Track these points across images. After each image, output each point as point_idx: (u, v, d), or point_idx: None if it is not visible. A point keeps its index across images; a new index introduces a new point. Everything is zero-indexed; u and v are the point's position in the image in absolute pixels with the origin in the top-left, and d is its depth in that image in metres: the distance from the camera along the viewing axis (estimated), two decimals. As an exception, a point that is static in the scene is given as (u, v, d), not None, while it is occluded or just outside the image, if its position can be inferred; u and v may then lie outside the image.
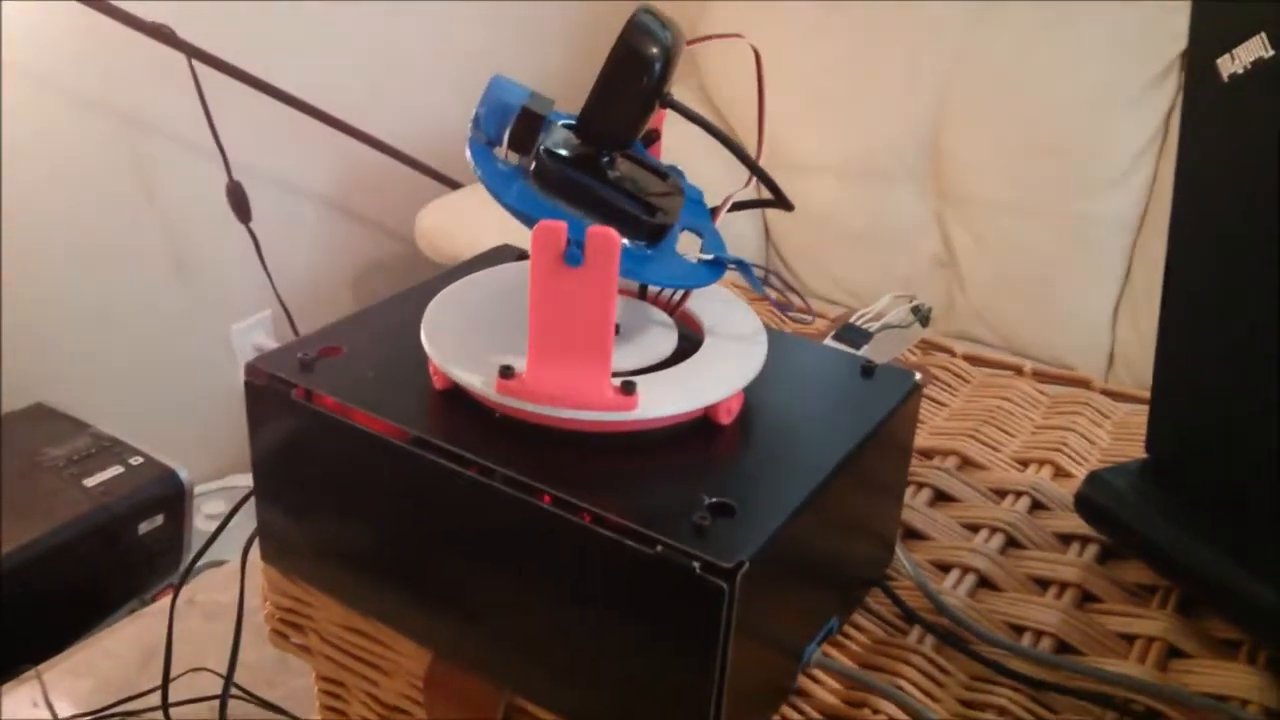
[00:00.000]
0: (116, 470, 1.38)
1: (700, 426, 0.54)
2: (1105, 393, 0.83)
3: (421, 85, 1.96)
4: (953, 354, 0.87)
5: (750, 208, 0.56)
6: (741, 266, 0.55)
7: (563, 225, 0.47)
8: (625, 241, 0.52)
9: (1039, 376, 0.85)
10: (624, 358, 0.53)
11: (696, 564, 0.45)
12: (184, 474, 1.40)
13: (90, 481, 1.35)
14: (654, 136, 0.60)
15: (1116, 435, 0.79)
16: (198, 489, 1.50)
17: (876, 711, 0.55)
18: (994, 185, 1.78)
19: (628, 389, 0.50)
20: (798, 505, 0.49)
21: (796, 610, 0.54)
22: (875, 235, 1.89)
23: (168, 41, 1.51)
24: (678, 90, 2.02)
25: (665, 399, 0.51)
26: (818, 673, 0.57)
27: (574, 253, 0.46)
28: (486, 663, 0.55)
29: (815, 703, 0.56)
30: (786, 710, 0.55)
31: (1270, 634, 0.59)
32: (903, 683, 0.57)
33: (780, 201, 0.53)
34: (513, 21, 2.08)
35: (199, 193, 1.68)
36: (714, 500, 0.48)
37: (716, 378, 0.53)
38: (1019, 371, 0.86)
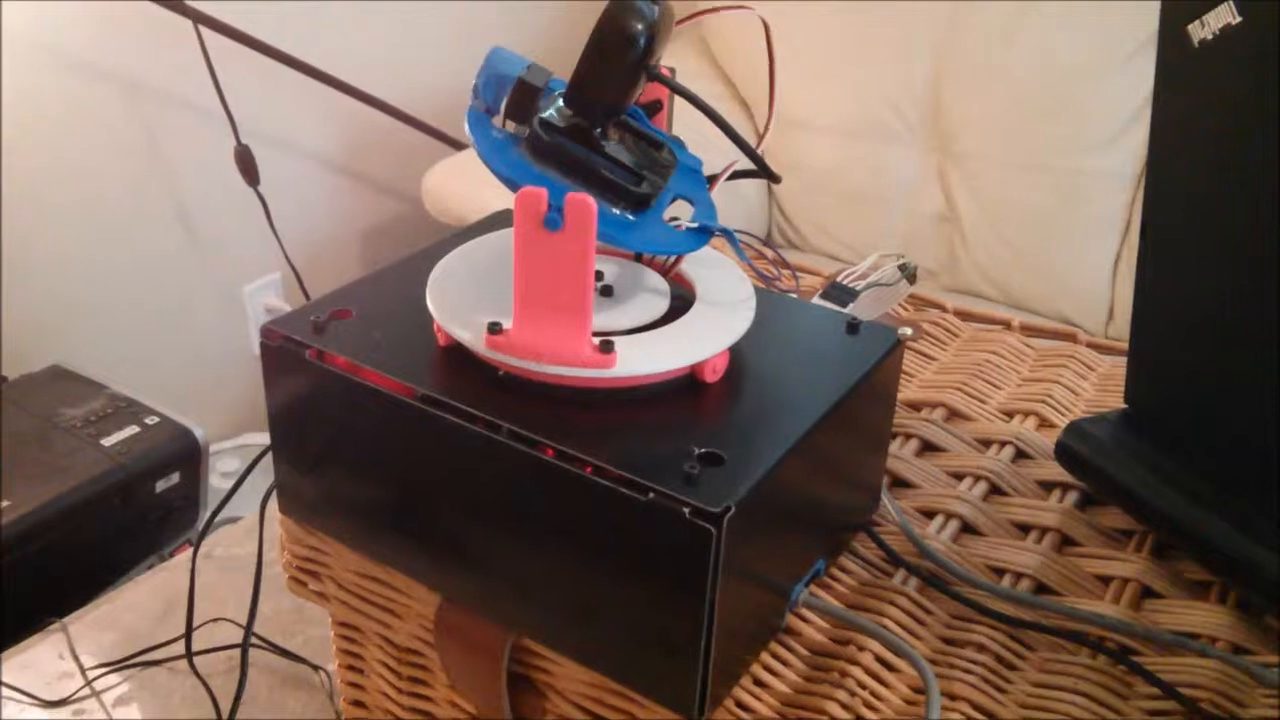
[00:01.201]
0: (133, 430, 1.41)
1: (692, 383, 0.56)
2: (1091, 345, 0.86)
3: (426, 47, 1.98)
4: (944, 309, 0.90)
5: (742, 178, 0.58)
6: (727, 235, 0.57)
7: (543, 192, 0.50)
8: (613, 209, 0.55)
9: (1027, 330, 0.88)
10: (617, 317, 0.57)
11: (686, 509, 0.48)
12: (199, 432, 1.43)
13: (108, 441, 1.38)
14: (657, 107, 0.62)
15: (1101, 387, 0.81)
16: (212, 447, 1.53)
17: (862, 649, 0.58)
18: (994, 141, 1.79)
19: (606, 348, 0.53)
20: (782, 454, 0.52)
21: (783, 552, 0.57)
22: (877, 192, 1.91)
23: (174, 8, 1.53)
24: (685, 58, 2.02)
25: (647, 358, 0.54)
26: (806, 612, 0.60)
27: (553, 217, 0.50)
28: (492, 605, 0.59)
29: (804, 640, 0.59)
30: (776, 647, 0.59)
31: (1238, 575, 0.62)
32: (887, 621, 0.60)
33: (766, 174, 0.56)
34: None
35: (208, 156, 1.71)
36: (703, 450, 0.51)
37: (701, 339, 0.56)
38: (1008, 326, 0.88)
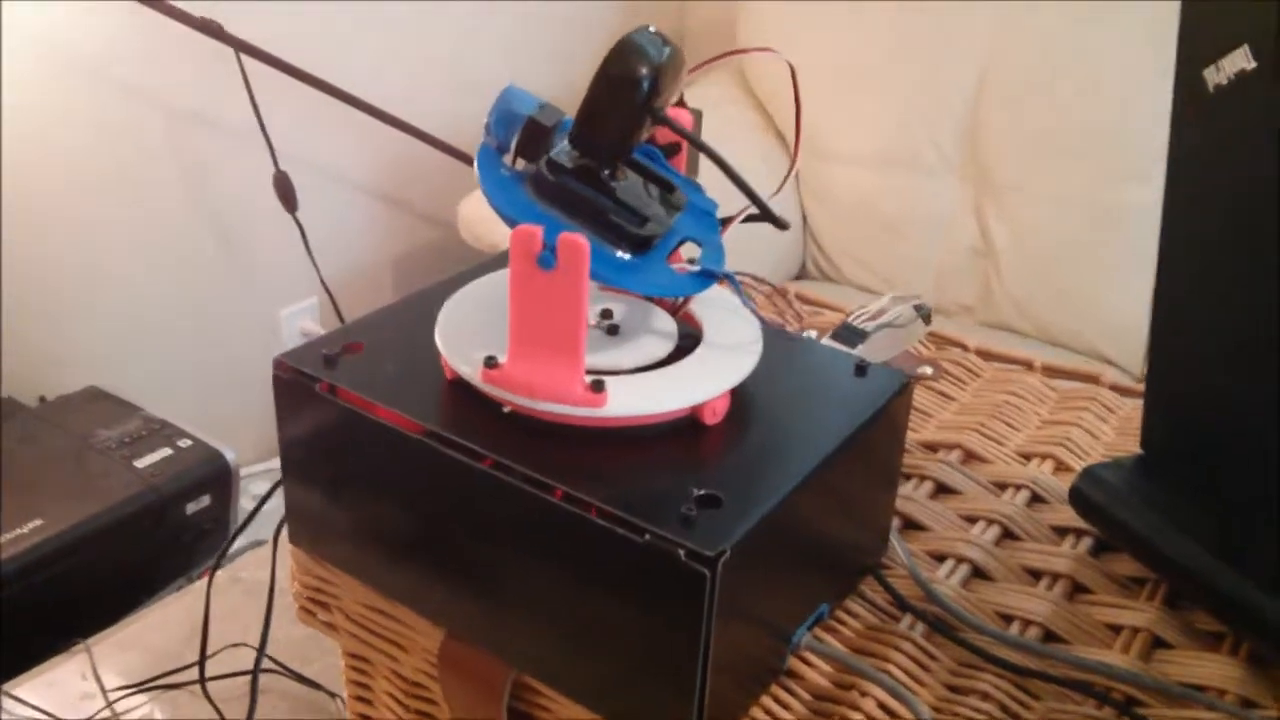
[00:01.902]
0: (166, 452, 1.43)
1: (694, 424, 0.56)
2: (1114, 388, 0.85)
3: (464, 74, 2.00)
4: (965, 348, 0.89)
5: (752, 221, 0.59)
6: (730, 280, 0.57)
7: (538, 230, 0.50)
8: (614, 250, 0.55)
9: (1049, 371, 0.87)
10: (621, 356, 0.57)
11: (681, 551, 0.48)
12: (230, 456, 1.45)
13: (140, 463, 1.40)
14: (675, 149, 0.63)
15: (1121, 430, 0.80)
16: (244, 471, 1.55)
17: (864, 694, 0.58)
18: (1030, 175, 1.78)
19: (597, 387, 0.53)
20: (782, 497, 0.52)
21: (784, 595, 0.57)
22: (912, 225, 1.90)
23: (217, 36, 1.56)
24: (725, 85, 2.02)
25: (642, 399, 0.54)
26: (809, 655, 0.60)
27: (546, 256, 0.50)
28: (494, 641, 0.59)
29: (806, 684, 0.59)
30: (777, 690, 0.58)
31: (1250, 628, 0.61)
32: (891, 667, 0.60)
33: (774, 222, 0.56)
34: (557, 13, 2.11)
35: (248, 182, 1.73)
36: (702, 492, 0.51)
37: (700, 381, 0.56)
38: (1030, 366, 0.88)
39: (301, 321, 1.91)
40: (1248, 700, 0.59)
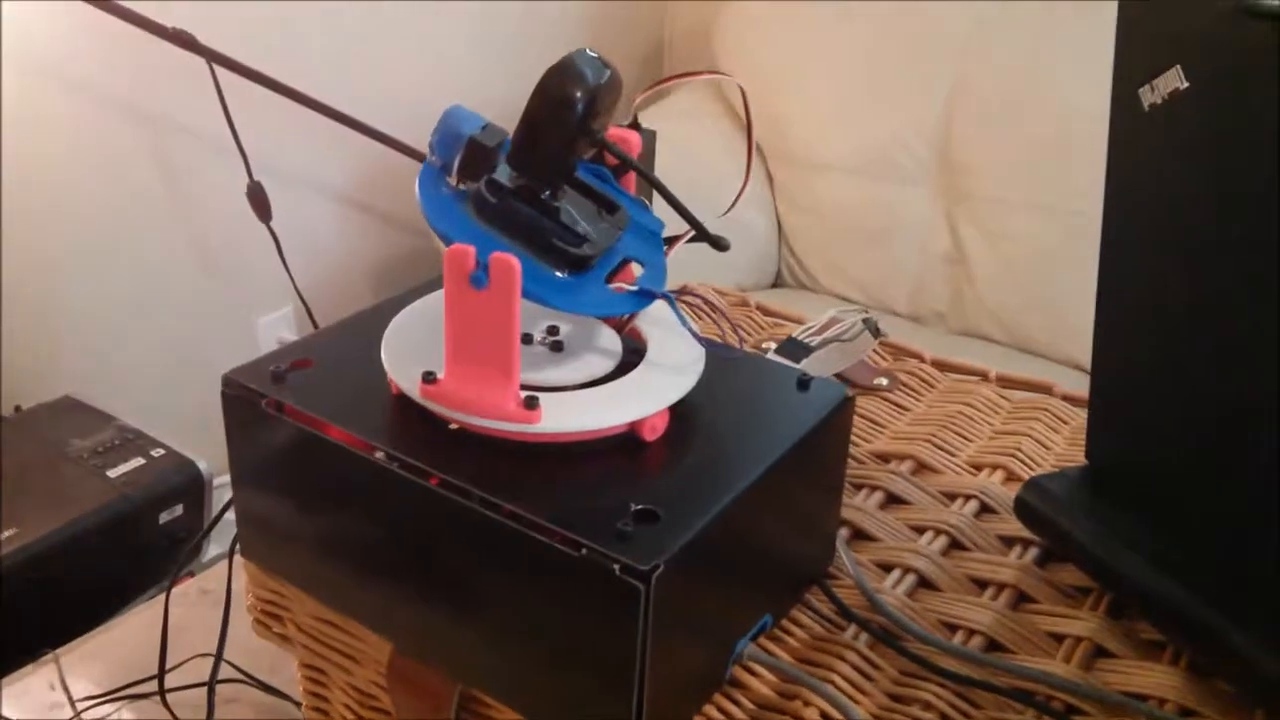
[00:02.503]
0: (139, 462, 1.43)
1: (634, 440, 0.57)
2: (1066, 398, 0.86)
3: (436, 83, 2.01)
4: (922, 359, 0.90)
5: (692, 241, 0.59)
6: (667, 300, 0.58)
7: (470, 249, 0.51)
8: (550, 270, 0.56)
9: (1003, 382, 0.88)
10: (563, 373, 0.58)
11: (616, 566, 0.49)
12: (203, 465, 1.46)
13: (113, 472, 1.41)
14: (625, 168, 0.63)
15: (1072, 440, 0.81)
16: (217, 480, 1.55)
17: (807, 704, 0.58)
18: (1003, 184, 1.80)
19: (530, 404, 0.54)
20: (719, 511, 0.53)
21: (725, 607, 0.58)
22: (886, 233, 1.92)
23: (189, 47, 1.56)
24: (692, 94, 2.03)
25: (578, 415, 0.55)
26: (753, 665, 0.60)
27: (478, 275, 0.51)
28: (440, 655, 0.60)
29: (751, 694, 0.60)
30: (722, 700, 0.59)
31: (1188, 637, 0.62)
32: (835, 676, 0.60)
33: (713, 244, 0.56)
34: (536, 20, 2.12)
35: (222, 192, 1.73)
36: (639, 508, 0.52)
37: (638, 398, 0.57)
38: (985, 377, 0.89)
39: (278, 331, 1.91)
40: (1187, 709, 0.60)
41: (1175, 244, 0.61)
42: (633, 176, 0.64)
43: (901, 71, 1.88)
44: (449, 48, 2.02)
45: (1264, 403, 0.58)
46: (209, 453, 1.47)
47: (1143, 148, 0.62)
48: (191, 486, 1.45)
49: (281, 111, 1.72)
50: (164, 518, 1.43)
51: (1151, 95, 0.60)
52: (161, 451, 1.46)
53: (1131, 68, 0.61)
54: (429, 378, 0.55)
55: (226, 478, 1.75)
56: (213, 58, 1.58)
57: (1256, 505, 0.60)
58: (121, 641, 1.15)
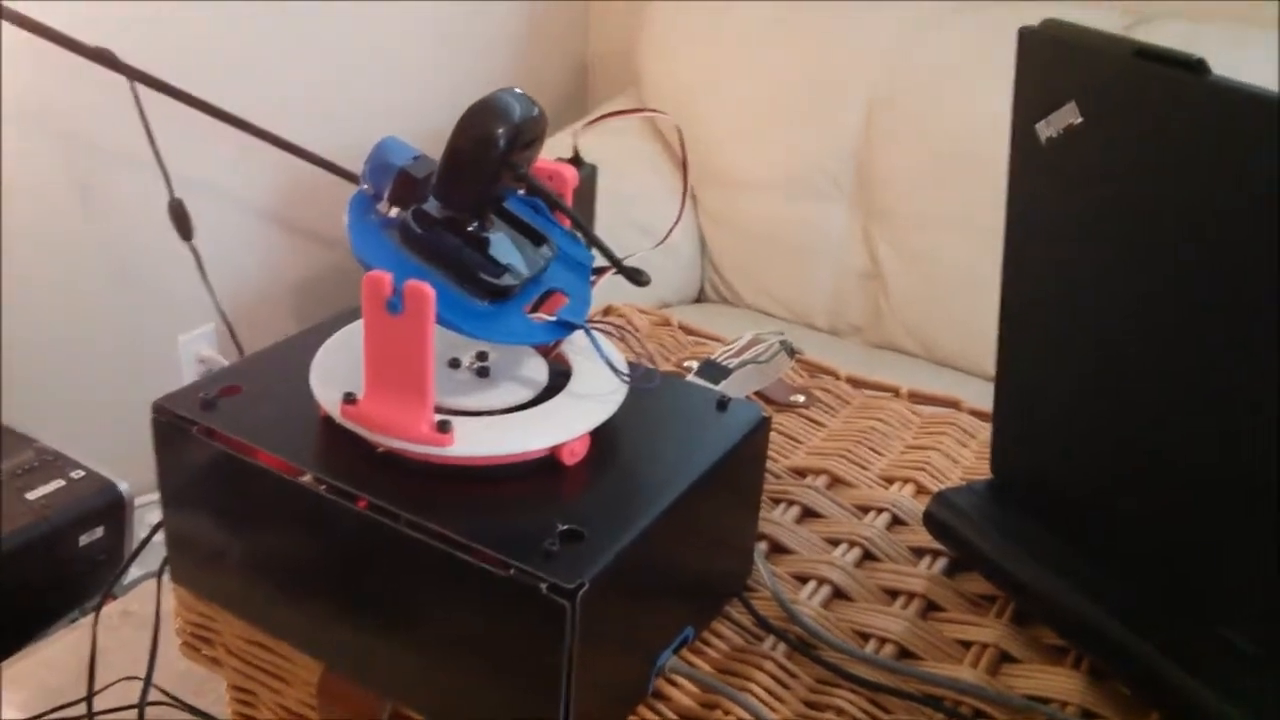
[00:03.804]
0: (58, 484, 1.42)
1: (558, 463, 0.59)
2: (974, 413, 0.90)
3: (355, 99, 2.01)
4: (836, 376, 0.93)
5: (620, 274, 0.61)
6: (586, 332, 0.61)
7: (387, 276, 0.53)
8: (471, 299, 0.57)
9: (914, 397, 0.92)
10: (487, 397, 0.60)
11: (543, 585, 0.51)
12: (124, 486, 1.44)
13: (32, 495, 1.39)
14: (557, 202, 0.65)
15: (979, 454, 0.85)
16: (140, 500, 1.53)
17: (727, 713, 0.61)
18: (918, 199, 1.85)
19: (443, 427, 0.56)
20: (641, 530, 0.55)
21: (648, 622, 0.60)
22: (806, 249, 1.96)
23: (109, 65, 1.55)
24: (626, 123, 2.03)
25: (493, 440, 0.57)
26: (676, 678, 0.63)
27: (394, 302, 0.53)
28: (370, 674, 0.61)
29: (673, 705, 0.62)
30: (645, 712, 0.61)
31: (1088, 642, 0.65)
32: (753, 686, 0.63)
33: (631, 279, 0.59)
34: (459, 37, 2.13)
35: (143, 209, 1.72)
36: (565, 528, 0.54)
37: (556, 425, 0.59)
38: (896, 393, 0.92)
39: (199, 348, 1.90)
40: (1089, 711, 0.63)
41: (1071, 269, 0.65)
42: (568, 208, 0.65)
43: (819, 90, 1.92)
44: (372, 65, 2.02)
45: (1156, 418, 0.62)
46: (130, 474, 1.46)
47: (1040, 179, 0.65)
48: (112, 508, 1.44)
49: (203, 128, 1.71)
50: (84, 539, 1.42)
51: (1048, 129, 0.63)
52: (81, 473, 1.45)
53: (1030, 103, 0.64)
54: (349, 398, 0.57)
55: (148, 498, 1.73)
56: (133, 75, 1.57)
57: (1151, 516, 0.64)
58: (47, 664, 1.15)
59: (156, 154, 1.64)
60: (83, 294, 1.73)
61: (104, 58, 1.55)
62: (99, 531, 1.42)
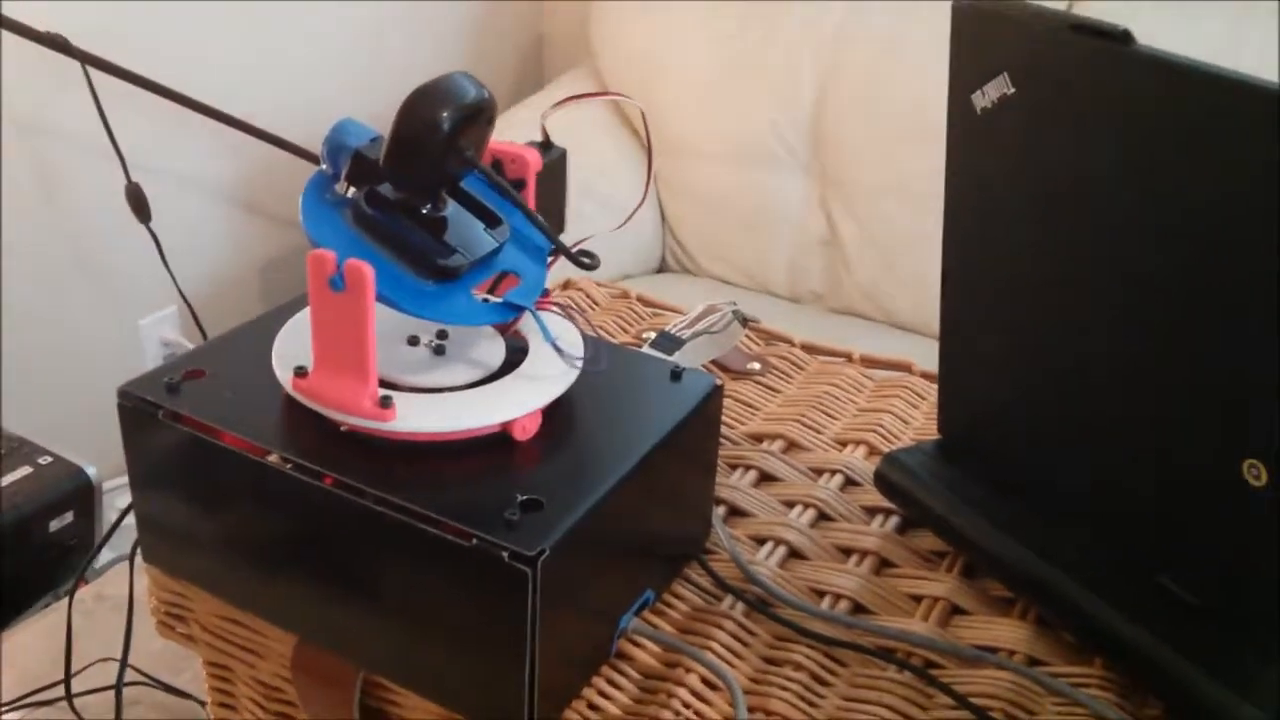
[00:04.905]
0: (26, 470, 1.42)
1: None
2: (924, 376, 0.92)
3: (314, 80, 2.01)
4: (791, 343, 0.96)
5: (570, 259, 0.62)
6: (533, 314, 0.62)
7: (330, 255, 0.55)
8: (418, 279, 0.59)
9: (866, 362, 0.94)
10: (444, 375, 0.62)
11: (505, 553, 0.53)
12: (92, 471, 1.45)
13: (1, 483, 1.40)
14: (521, 184, 0.66)
15: (929, 415, 0.87)
16: (108, 484, 1.54)
17: (689, 671, 0.63)
18: (873, 167, 1.87)
19: (385, 403, 0.58)
20: (599, 498, 0.57)
21: (609, 585, 0.62)
22: (763, 218, 1.97)
23: (62, 50, 1.55)
24: (574, 87, 2.05)
25: (441, 416, 0.59)
26: (638, 638, 0.65)
27: (335, 280, 0.55)
28: (342, 644, 0.63)
29: (636, 664, 0.64)
30: (610, 671, 0.63)
31: (1034, 594, 0.68)
32: (714, 644, 0.65)
33: (577, 263, 0.60)
34: (415, 17, 2.13)
35: (101, 194, 1.72)
36: (525, 498, 0.56)
37: (508, 402, 0.61)
38: (849, 359, 0.94)
39: (161, 331, 1.90)
40: (1034, 659, 0.66)
41: (1006, 233, 0.67)
42: (530, 191, 0.67)
43: (773, 60, 1.93)
44: (326, 44, 2.02)
45: (1090, 379, 0.64)
46: (97, 458, 1.47)
47: (976, 148, 0.68)
48: (81, 493, 1.45)
49: (159, 112, 1.71)
50: (54, 525, 1.42)
51: (983, 99, 0.66)
52: (49, 459, 1.45)
53: (965, 74, 0.67)
54: (300, 371, 0.59)
55: (115, 482, 1.74)
56: (87, 60, 1.57)
57: (1091, 471, 0.66)
58: (21, 649, 1.16)
59: (112, 138, 1.63)
60: (43, 280, 1.73)
61: (57, 43, 1.54)
62: (69, 517, 1.43)
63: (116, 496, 1.72)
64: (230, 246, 1.99)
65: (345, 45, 2.04)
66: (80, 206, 1.74)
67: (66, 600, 1.33)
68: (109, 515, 1.58)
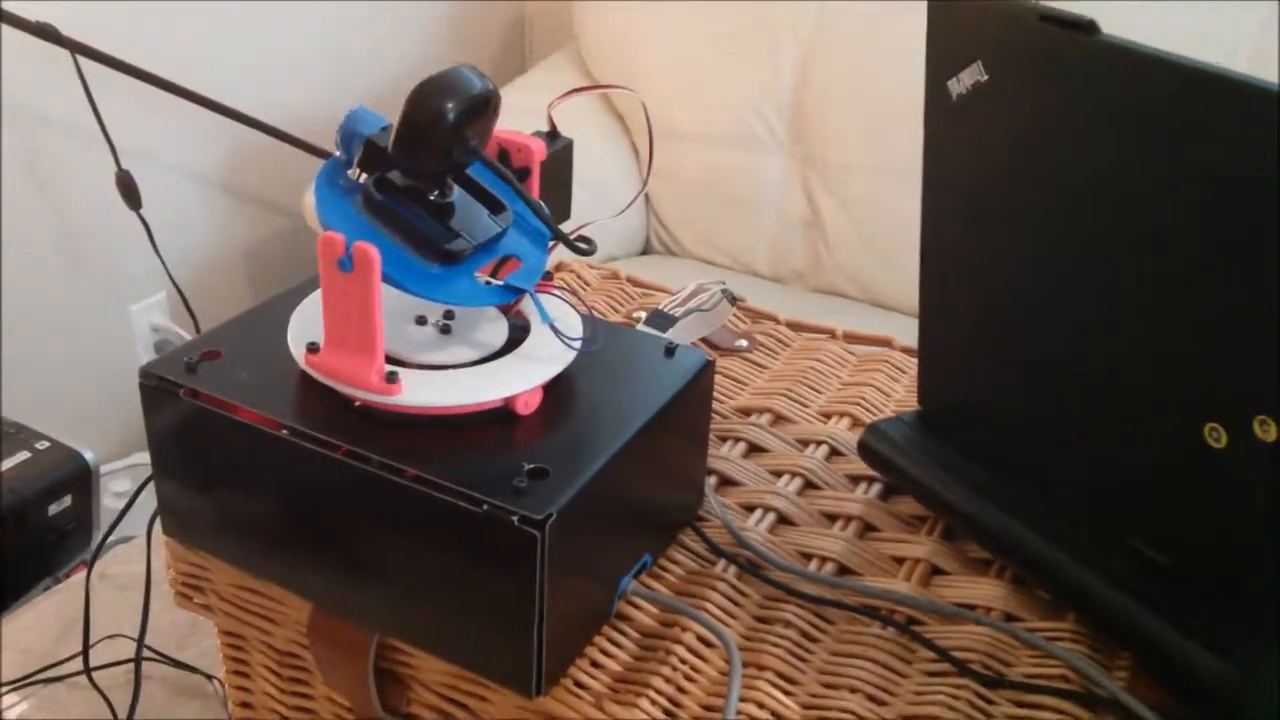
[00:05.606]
0: (24, 455, 1.45)
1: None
2: (905, 351, 0.96)
3: (298, 65, 2.03)
4: (777, 321, 0.99)
5: (569, 246, 0.66)
6: (532, 297, 0.66)
7: (339, 237, 0.58)
8: (423, 262, 0.62)
9: (849, 338, 0.98)
10: (450, 353, 0.65)
11: (515, 518, 0.57)
12: (89, 455, 1.48)
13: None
14: (526, 173, 0.69)
15: (910, 389, 0.91)
16: (103, 468, 1.57)
17: (685, 630, 0.67)
18: (855, 148, 1.90)
19: (391, 378, 0.61)
20: (600, 466, 0.61)
21: (610, 549, 0.66)
22: (746, 199, 2.01)
23: (52, 39, 1.56)
24: (559, 73, 2.07)
25: (444, 391, 0.63)
26: (637, 600, 0.69)
27: (344, 261, 0.58)
28: (357, 609, 0.67)
29: (635, 624, 0.68)
30: (611, 631, 0.67)
31: (1010, 554, 0.72)
32: (708, 605, 0.69)
33: (574, 249, 0.63)
34: (390, 7, 2.15)
35: (91, 181, 1.74)
36: (532, 467, 0.59)
37: (511, 378, 0.64)
38: (833, 335, 0.98)
39: (152, 317, 1.92)
40: (1011, 615, 0.70)
41: (981, 215, 0.71)
42: (534, 179, 0.69)
43: (755, 41, 1.96)
44: (311, 29, 2.04)
45: (1060, 350, 0.68)
46: (94, 441, 1.49)
47: (952, 132, 0.71)
48: (79, 477, 1.47)
49: (148, 99, 1.73)
50: (52, 510, 1.45)
51: (958, 86, 0.69)
52: (46, 444, 1.47)
53: (941, 61, 0.70)
54: (312, 348, 0.62)
55: (112, 466, 1.76)
56: (77, 49, 1.59)
57: (1064, 437, 0.70)
58: (26, 629, 1.19)
59: (102, 126, 1.65)
60: (34, 267, 1.75)
61: (46, 32, 1.56)
62: (67, 500, 1.45)
63: (112, 480, 1.75)
64: (218, 232, 2.01)
65: (326, 32, 2.06)
66: (71, 194, 1.76)
67: (69, 582, 1.36)
68: (106, 499, 1.61)
